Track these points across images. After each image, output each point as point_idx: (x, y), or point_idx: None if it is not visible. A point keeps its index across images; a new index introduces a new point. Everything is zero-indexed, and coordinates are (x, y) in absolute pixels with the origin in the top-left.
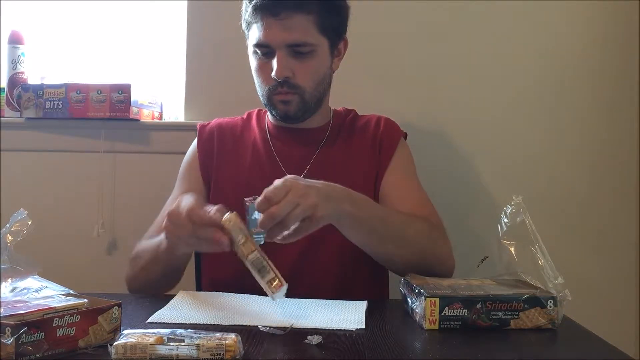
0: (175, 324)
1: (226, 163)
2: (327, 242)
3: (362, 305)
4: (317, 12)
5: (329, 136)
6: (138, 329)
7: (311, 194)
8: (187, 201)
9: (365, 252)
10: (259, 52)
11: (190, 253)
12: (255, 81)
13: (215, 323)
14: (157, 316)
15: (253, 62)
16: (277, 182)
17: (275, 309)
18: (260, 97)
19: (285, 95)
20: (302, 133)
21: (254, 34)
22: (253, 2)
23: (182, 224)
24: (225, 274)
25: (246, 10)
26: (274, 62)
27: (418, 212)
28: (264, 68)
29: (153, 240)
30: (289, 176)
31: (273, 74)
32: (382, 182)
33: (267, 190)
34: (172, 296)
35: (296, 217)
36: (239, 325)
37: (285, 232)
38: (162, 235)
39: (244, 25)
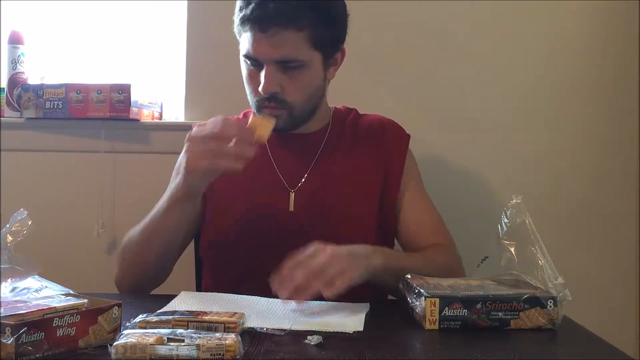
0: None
1: None
2: (327, 236)
3: (364, 307)
4: (310, 27)
5: (328, 141)
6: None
7: (338, 256)
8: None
9: (363, 242)
10: (248, 62)
11: (201, 192)
12: (246, 89)
13: None
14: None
15: (243, 69)
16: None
17: (276, 310)
18: (251, 105)
19: (273, 110)
20: (299, 138)
21: (243, 43)
22: (242, 13)
23: (209, 131)
24: (225, 279)
25: (237, 17)
26: (262, 76)
27: (435, 236)
28: (253, 78)
29: (144, 220)
30: (315, 245)
31: (260, 88)
32: (396, 198)
33: (297, 258)
34: (173, 296)
35: (327, 276)
36: None
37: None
38: (159, 203)
39: (235, 30)
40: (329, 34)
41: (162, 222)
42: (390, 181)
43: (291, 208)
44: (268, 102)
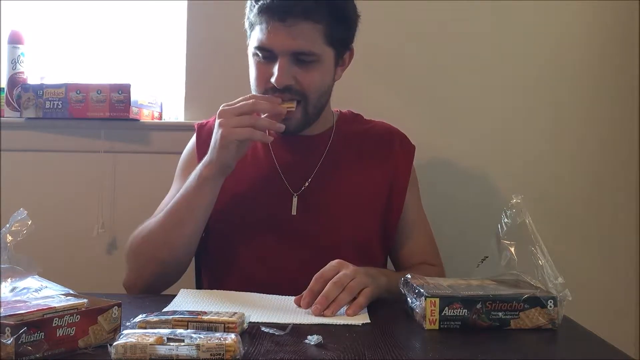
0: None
1: None
2: (329, 253)
3: None
4: (327, 21)
5: (332, 145)
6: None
7: (360, 271)
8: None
9: (365, 262)
10: (259, 54)
11: (233, 166)
12: (252, 84)
13: None
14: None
15: (251, 63)
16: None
17: (279, 307)
18: None
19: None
20: (303, 141)
21: (257, 35)
22: (260, 3)
23: (243, 103)
24: (225, 282)
25: (251, 9)
26: (275, 69)
27: (426, 256)
28: (262, 72)
29: (160, 214)
30: (334, 261)
31: (273, 79)
32: (400, 211)
33: (321, 271)
34: (172, 296)
35: (353, 288)
36: None
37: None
38: (179, 191)
39: (246, 24)
40: (342, 31)
41: (192, 203)
42: (395, 194)
43: (294, 212)
44: (281, 94)
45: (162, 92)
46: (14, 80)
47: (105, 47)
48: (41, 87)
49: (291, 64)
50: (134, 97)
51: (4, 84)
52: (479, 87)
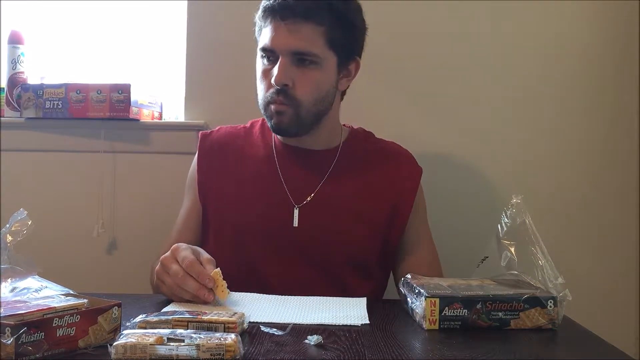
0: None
1: (227, 181)
2: (325, 267)
3: (362, 301)
4: (329, 24)
5: (339, 161)
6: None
7: None
8: (184, 253)
9: (361, 278)
10: (264, 56)
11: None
12: (257, 89)
13: None
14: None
15: (258, 69)
16: None
17: (278, 307)
18: (260, 107)
19: (280, 106)
20: (309, 154)
21: (263, 38)
22: (264, 4)
23: (174, 273)
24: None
25: (258, 13)
26: (275, 68)
27: (429, 272)
28: (266, 75)
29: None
30: None
31: (272, 79)
32: (402, 232)
33: None
34: None
35: None
36: None
37: None
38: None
39: (256, 32)
40: (345, 37)
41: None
42: (398, 216)
43: (295, 224)
44: (277, 96)
45: (162, 92)
46: (14, 80)
47: (105, 47)
48: (41, 87)
49: (291, 65)
50: (134, 97)
51: (4, 84)
52: (479, 87)
